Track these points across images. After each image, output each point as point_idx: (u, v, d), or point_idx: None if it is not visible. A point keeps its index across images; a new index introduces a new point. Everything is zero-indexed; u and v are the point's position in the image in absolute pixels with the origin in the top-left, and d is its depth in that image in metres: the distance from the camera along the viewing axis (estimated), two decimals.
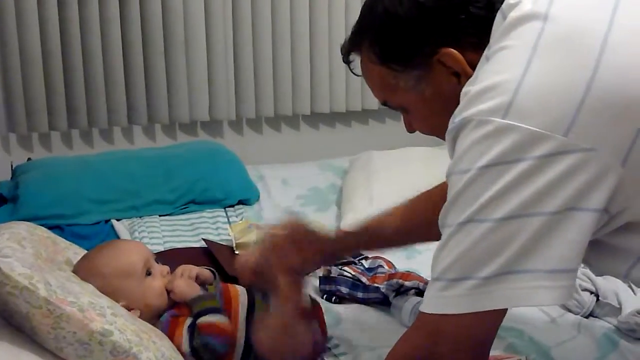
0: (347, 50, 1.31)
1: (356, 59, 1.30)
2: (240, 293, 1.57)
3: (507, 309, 1.04)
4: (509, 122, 0.96)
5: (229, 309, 1.53)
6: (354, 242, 1.61)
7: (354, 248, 1.70)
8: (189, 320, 1.49)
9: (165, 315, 1.51)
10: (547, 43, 0.98)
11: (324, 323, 1.60)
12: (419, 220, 1.54)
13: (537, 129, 0.94)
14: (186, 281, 1.55)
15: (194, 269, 1.59)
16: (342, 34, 3.02)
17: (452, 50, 1.15)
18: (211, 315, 1.48)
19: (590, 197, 0.95)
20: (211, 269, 1.67)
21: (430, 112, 1.24)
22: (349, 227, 1.65)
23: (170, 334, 1.47)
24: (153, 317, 1.50)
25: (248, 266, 1.57)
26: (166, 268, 1.59)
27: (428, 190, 1.59)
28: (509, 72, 0.99)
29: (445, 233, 1.03)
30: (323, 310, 1.62)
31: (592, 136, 0.94)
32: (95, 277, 1.46)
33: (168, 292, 1.53)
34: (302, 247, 1.51)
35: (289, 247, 1.51)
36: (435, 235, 1.15)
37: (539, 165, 0.94)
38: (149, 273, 1.53)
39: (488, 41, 1.08)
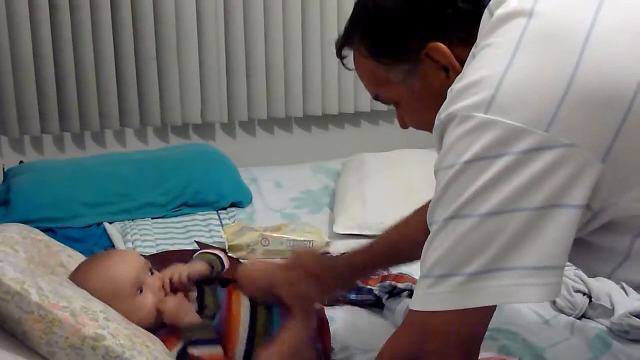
0: (340, 45, 1.33)
1: (349, 54, 1.32)
2: (242, 310, 1.50)
3: (496, 305, 1.04)
4: (491, 117, 0.96)
5: (228, 329, 1.47)
6: (363, 261, 1.58)
7: (365, 269, 1.63)
8: (181, 344, 1.43)
9: (160, 331, 1.45)
10: (530, 39, 0.99)
11: (329, 342, 1.58)
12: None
13: (519, 124, 0.95)
14: (178, 302, 1.48)
15: (183, 273, 1.51)
16: (334, 37, 3.02)
17: (440, 44, 1.17)
18: (203, 346, 1.42)
19: (572, 193, 0.95)
20: (215, 252, 1.61)
21: (420, 106, 1.25)
22: (357, 248, 1.63)
23: None
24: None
25: (253, 280, 1.54)
26: (160, 281, 1.51)
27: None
28: (492, 67, 0.99)
29: (432, 229, 1.04)
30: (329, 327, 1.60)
31: (573, 132, 0.94)
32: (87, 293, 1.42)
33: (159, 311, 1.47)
34: (319, 277, 1.51)
35: (306, 280, 1.50)
36: None
37: (521, 160, 0.95)
38: (140, 290, 1.47)
39: (476, 36, 1.09)
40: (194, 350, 1.41)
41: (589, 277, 1.73)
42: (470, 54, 1.08)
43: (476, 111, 0.98)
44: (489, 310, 1.05)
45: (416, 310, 1.05)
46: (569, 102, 0.94)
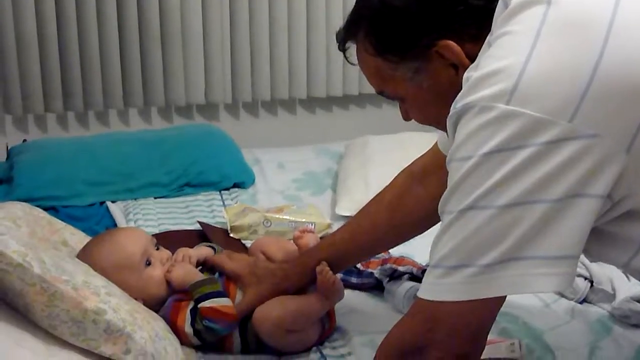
0: (342, 39, 1.29)
1: (352, 47, 1.29)
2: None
3: (505, 297, 1.03)
4: (512, 108, 0.94)
5: (233, 285, 1.55)
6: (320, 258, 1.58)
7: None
8: (192, 304, 1.49)
9: (168, 300, 1.51)
10: (551, 27, 0.97)
11: (334, 312, 1.60)
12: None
13: (542, 115, 0.93)
14: (184, 268, 1.54)
15: (193, 255, 1.59)
16: (339, 18, 3.02)
17: (451, 42, 1.14)
18: (212, 300, 1.48)
19: (594, 184, 0.94)
20: (211, 245, 1.67)
21: (428, 102, 1.23)
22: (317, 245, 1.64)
23: (173, 316, 1.48)
24: (157, 304, 1.51)
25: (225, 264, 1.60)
26: (166, 254, 1.58)
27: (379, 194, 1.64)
28: (512, 57, 0.97)
29: (445, 220, 1.02)
30: None
31: (597, 122, 0.92)
32: (97, 271, 1.44)
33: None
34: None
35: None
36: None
37: (543, 151, 0.93)
38: (148, 263, 1.53)
39: (487, 32, 1.07)
40: (205, 304, 1.47)
41: (591, 261, 1.73)
42: (486, 42, 1.06)
43: (497, 102, 0.95)
44: (499, 301, 1.04)
45: (424, 300, 1.04)
46: (593, 92, 0.92)
